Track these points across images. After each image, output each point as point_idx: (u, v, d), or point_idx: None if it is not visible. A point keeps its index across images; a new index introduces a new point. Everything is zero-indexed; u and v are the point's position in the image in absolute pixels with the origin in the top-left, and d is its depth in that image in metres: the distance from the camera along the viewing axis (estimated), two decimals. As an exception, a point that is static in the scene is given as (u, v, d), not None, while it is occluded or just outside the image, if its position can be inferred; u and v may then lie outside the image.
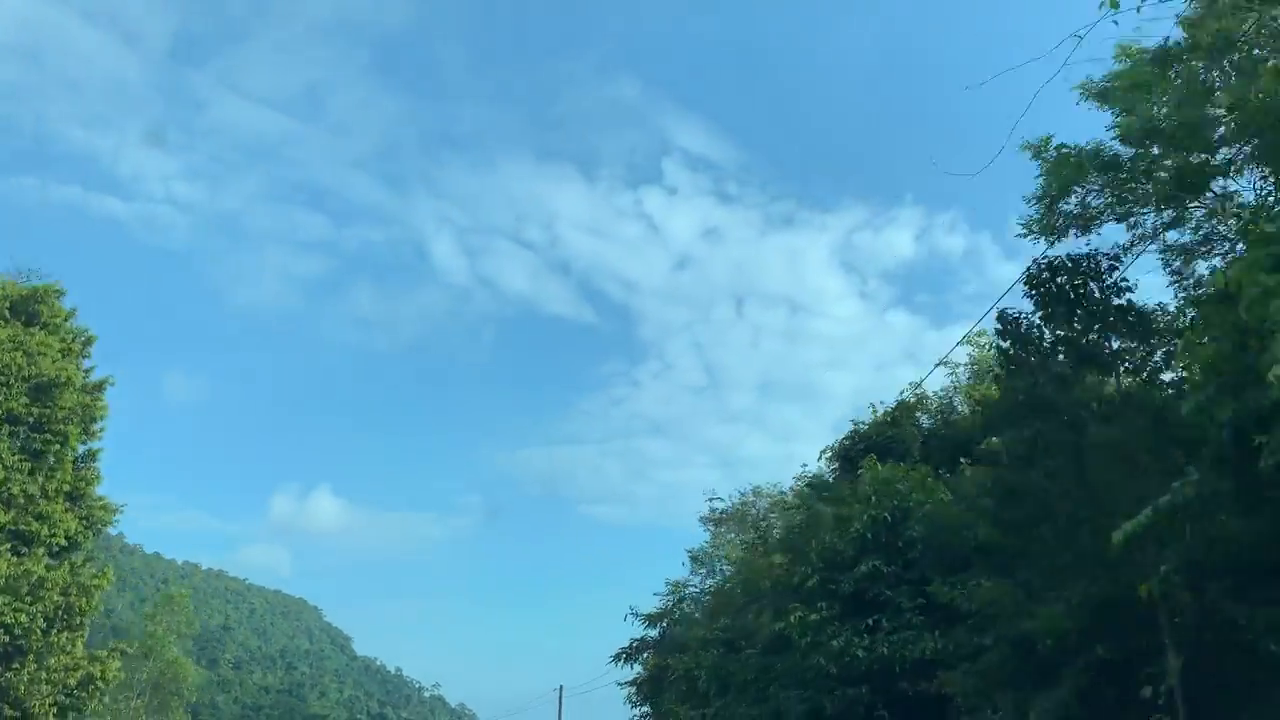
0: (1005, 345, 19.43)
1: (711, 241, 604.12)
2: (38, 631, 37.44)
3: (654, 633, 42.30)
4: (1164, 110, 18.97)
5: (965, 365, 35.23)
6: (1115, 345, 18.56)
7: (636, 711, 44.36)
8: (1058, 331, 18.95)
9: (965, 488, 22.63)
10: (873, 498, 26.39)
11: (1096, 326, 18.48)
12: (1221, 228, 20.58)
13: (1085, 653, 16.33)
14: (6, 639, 36.59)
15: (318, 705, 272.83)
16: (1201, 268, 21.30)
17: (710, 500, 47.38)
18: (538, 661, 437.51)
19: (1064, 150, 20.62)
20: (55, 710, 38.68)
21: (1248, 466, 12.73)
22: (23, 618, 36.51)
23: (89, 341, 46.24)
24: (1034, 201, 22.01)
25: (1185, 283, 21.49)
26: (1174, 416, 15.64)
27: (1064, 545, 16.76)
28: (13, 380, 39.39)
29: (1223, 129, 18.69)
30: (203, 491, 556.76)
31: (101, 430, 44.73)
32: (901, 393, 33.18)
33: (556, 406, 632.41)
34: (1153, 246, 21.69)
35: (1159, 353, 18.72)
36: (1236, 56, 17.90)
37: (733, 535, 47.22)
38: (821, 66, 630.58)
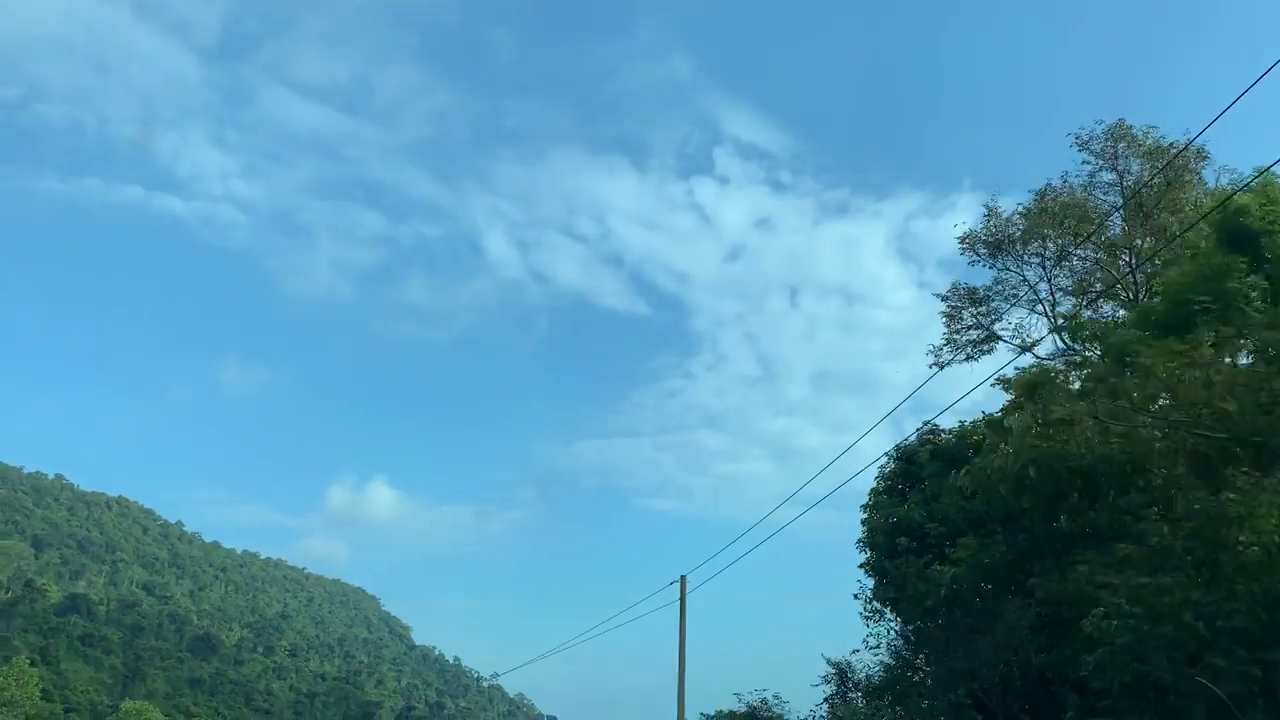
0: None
1: (764, 231, 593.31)
2: None
3: None
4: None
5: None
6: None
7: None
8: None
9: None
10: None
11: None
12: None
13: None
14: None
15: (374, 693, 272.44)
16: None
17: None
18: (595, 654, 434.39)
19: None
20: None
21: None
22: None
23: None
24: None
25: None
26: None
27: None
28: None
29: None
30: (261, 485, 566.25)
31: None
32: (920, 430, 30.94)
33: (610, 399, 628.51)
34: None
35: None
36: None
37: None
38: (876, 49, 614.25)
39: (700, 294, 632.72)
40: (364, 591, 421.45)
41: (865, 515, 32.03)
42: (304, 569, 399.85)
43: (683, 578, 29.79)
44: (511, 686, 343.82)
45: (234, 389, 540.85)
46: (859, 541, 31.75)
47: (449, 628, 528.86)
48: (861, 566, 31.38)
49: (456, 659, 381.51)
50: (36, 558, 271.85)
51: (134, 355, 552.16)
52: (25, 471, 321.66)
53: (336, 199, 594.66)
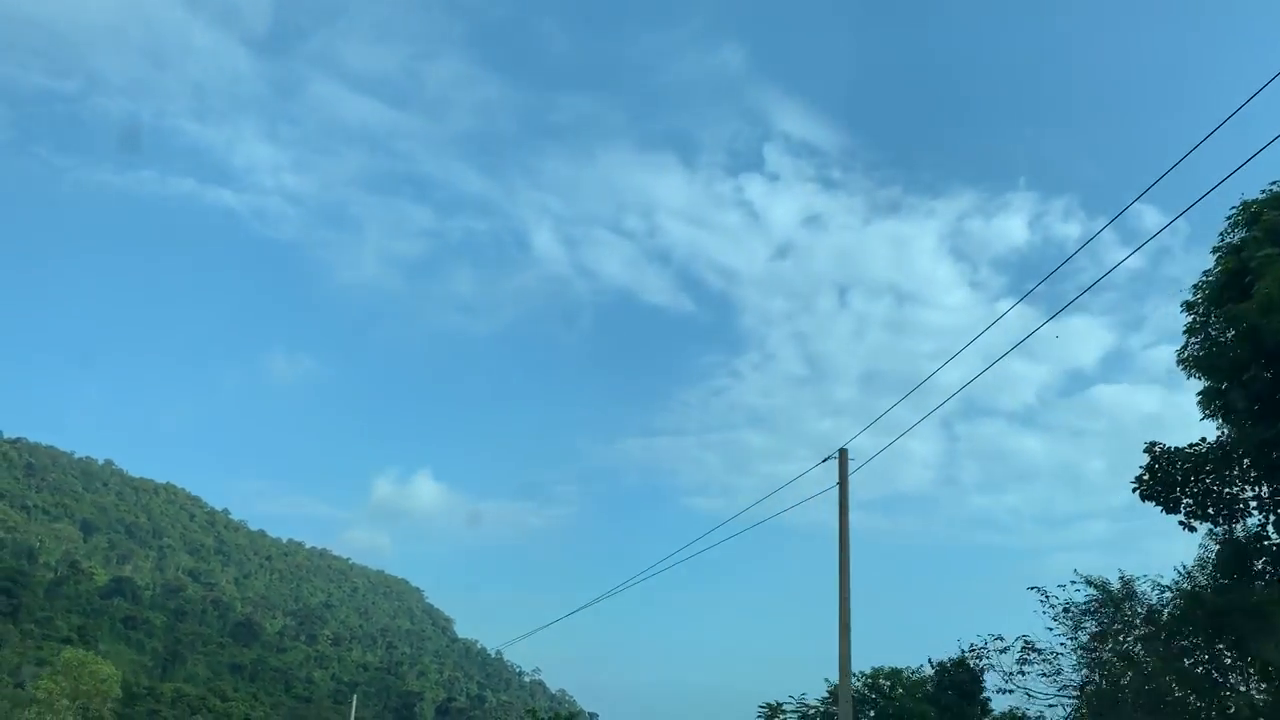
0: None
1: (814, 229, 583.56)
2: None
3: None
4: None
5: None
6: None
7: None
8: None
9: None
10: None
11: None
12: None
13: None
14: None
15: (416, 684, 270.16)
16: None
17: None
18: (637, 653, 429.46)
19: None
20: None
21: None
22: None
23: None
24: None
25: None
26: None
27: None
28: None
29: None
30: (307, 476, 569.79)
31: None
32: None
33: (655, 397, 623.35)
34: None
35: None
36: None
37: None
38: (929, 44, 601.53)
39: (748, 292, 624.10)
40: (407, 583, 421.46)
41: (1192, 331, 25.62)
42: (348, 559, 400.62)
43: (842, 451, 24.27)
44: (553, 682, 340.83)
45: (281, 379, 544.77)
46: (1187, 365, 25.79)
47: (491, 622, 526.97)
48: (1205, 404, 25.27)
49: (498, 653, 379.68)
50: (85, 541, 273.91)
51: (184, 344, 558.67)
52: (75, 456, 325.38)
53: (385, 193, 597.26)
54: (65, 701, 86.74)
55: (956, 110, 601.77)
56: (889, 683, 39.98)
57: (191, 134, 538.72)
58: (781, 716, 41.21)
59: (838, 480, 23.92)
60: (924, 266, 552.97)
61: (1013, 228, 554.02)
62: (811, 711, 40.85)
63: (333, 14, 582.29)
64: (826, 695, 38.79)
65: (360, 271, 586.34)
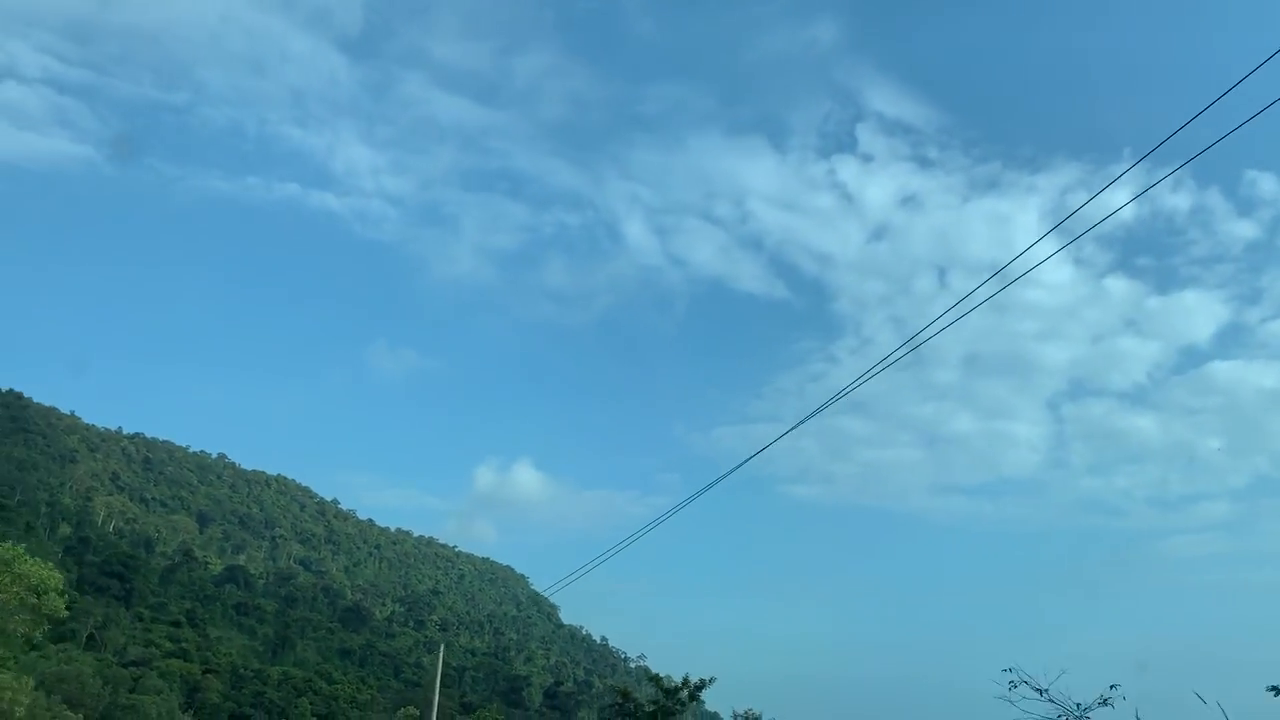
0: None
1: (910, 210, 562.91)
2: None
3: None
4: None
5: None
6: None
7: None
8: None
9: None
10: None
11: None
12: None
13: None
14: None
15: (523, 668, 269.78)
16: None
17: None
18: (741, 639, 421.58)
19: None
20: None
21: None
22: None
23: None
24: None
25: None
26: None
27: None
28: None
29: None
30: (411, 467, 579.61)
31: None
32: None
33: (750, 384, 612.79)
34: None
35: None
36: None
37: None
38: (1025, 13, 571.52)
39: (843, 276, 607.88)
40: (512, 570, 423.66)
41: None
42: (454, 547, 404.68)
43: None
44: (658, 669, 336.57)
45: (384, 373, 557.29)
46: None
47: (596, 608, 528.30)
48: None
49: (604, 639, 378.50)
50: (201, 532, 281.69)
51: (292, 342, 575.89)
52: (191, 451, 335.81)
53: (480, 190, 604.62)
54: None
55: (1057, 80, 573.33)
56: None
57: (294, 139, 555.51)
58: None
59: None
60: (1025, 244, 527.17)
61: (1118, 201, 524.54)
62: None
63: (422, 9, 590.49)
64: None
65: (457, 266, 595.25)
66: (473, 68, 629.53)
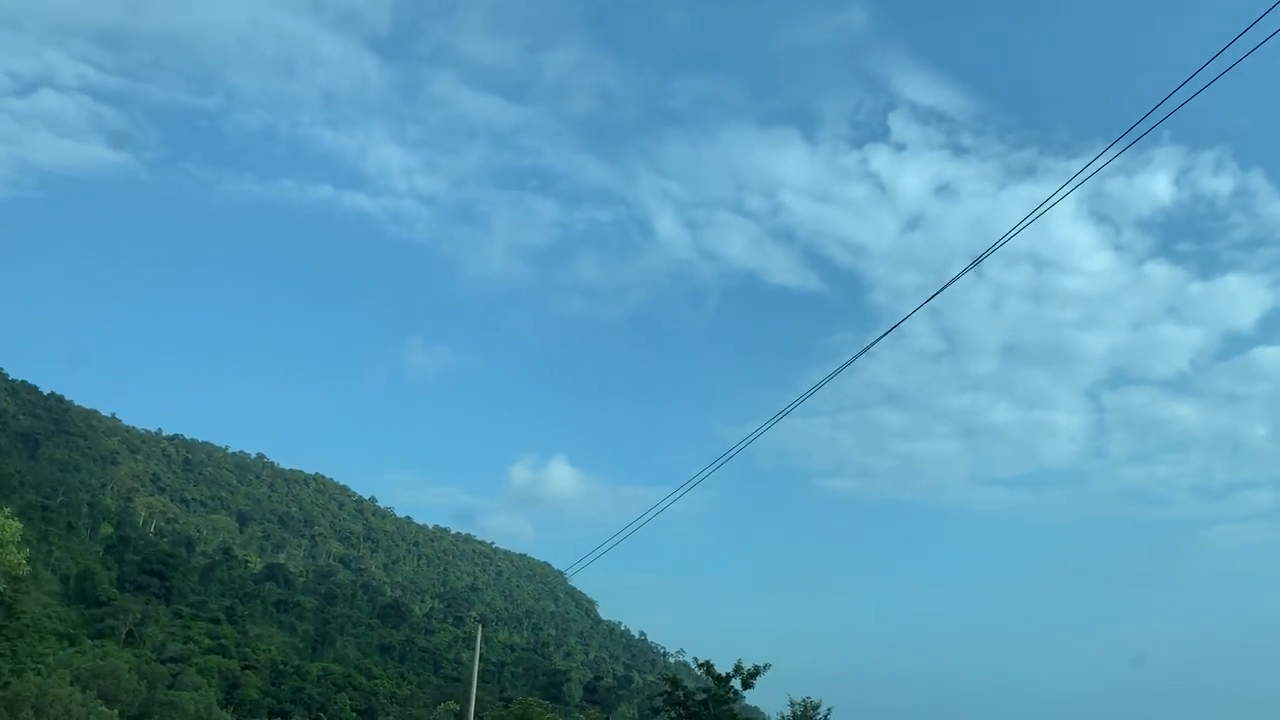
0: None
1: (945, 198, 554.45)
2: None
3: None
4: None
5: None
6: None
7: None
8: None
9: None
10: None
11: None
12: None
13: None
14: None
15: (563, 664, 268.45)
16: None
17: None
18: (780, 634, 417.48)
19: None
20: None
21: None
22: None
23: None
24: None
25: None
26: None
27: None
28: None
29: None
30: (448, 466, 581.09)
31: None
32: None
33: (785, 378, 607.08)
34: None
35: None
36: None
37: None
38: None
39: (877, 266, 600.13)
40: (550, 566, 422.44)
41: None
42: (492, 544, 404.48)
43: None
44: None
45: (419, 371, 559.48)
46: None
47: (632, 604, 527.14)
48: None
49: (642, 634, 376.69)
50: (241, 531, 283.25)
51: (327, 342, 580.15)
52: (230, 451, 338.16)
53: (511, 188, 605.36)
54: None
55: (1091, 63, 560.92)
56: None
57: (326, 142, 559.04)
58: None
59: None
60: (1063, 231, 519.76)
61: (1157, 185, 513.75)
62: None
63: (450, 7, 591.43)
64: None
65: (490, 264, 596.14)
66: (502, 64, 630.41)
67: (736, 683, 47.04)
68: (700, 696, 46.42)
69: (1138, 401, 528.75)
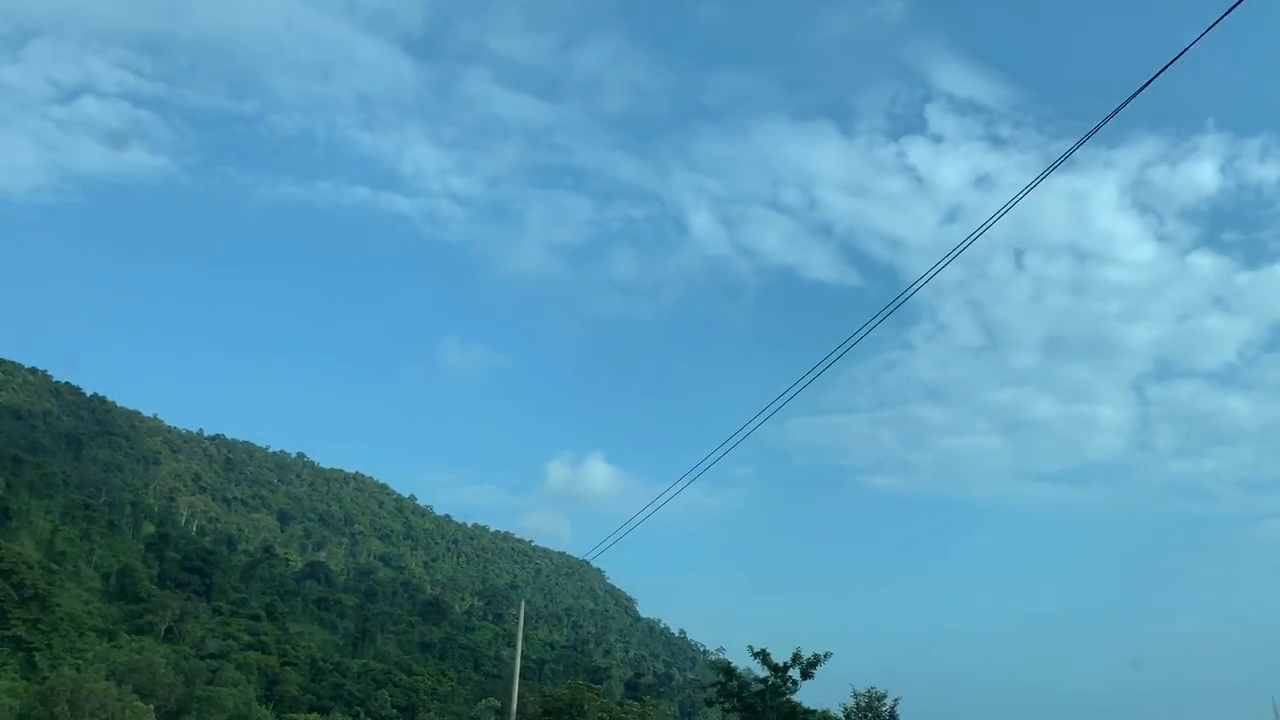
0: None
1: (984, 190, 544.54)
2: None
3: None
4: None
5: None
6: None
7: None
8: None
9: None
10: None
11: None
12: None
13: None
14: None
15: (603, 661, 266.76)
16: None
17: None
18: (821, 632, 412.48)
19: None
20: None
21: None
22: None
23: None
24: None
25: None
26: None
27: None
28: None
29: None
30: (486, 464, 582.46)
31: None
32: None
33: (824, 375, 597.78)
34: None
35: None
36: None
37: None
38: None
39: (915, 260, 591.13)
40: (589, 564, 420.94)
41: None
42: (531, 542, 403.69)
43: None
44: (738, 661, 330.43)
45: (456, 370, 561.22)
46: None
47: (671, 601, 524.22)
48: None
49: (682, 632, 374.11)
50: (282, 529, 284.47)
51: (365, 342, 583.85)
52: (271, 451, 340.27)
53: (545, 186, 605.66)
54: None
55: (1132, 49, 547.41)
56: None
57: (362, 144, 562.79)
58: None
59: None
60: (1105, 222, 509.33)
61: (1202, 174, 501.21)
62: None
63: (482, 4, 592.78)
64: None
65: (524, 262, 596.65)
66: (534, 62, 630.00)
67: (795, 672, 44.22)
68: (756, 687, 43.61)
69: (1184, 394, 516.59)
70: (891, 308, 17.27)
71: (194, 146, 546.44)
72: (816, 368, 19.87)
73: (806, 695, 44.44)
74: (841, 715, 44.42)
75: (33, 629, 75.87)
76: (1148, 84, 11.38)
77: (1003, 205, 15.03)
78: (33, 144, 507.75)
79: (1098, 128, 12.47)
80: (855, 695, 44.57)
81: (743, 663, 50.11)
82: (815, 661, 44.87)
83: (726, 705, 45.84)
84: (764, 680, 44.16)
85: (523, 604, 43.82)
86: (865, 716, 43.57)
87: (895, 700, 44.45)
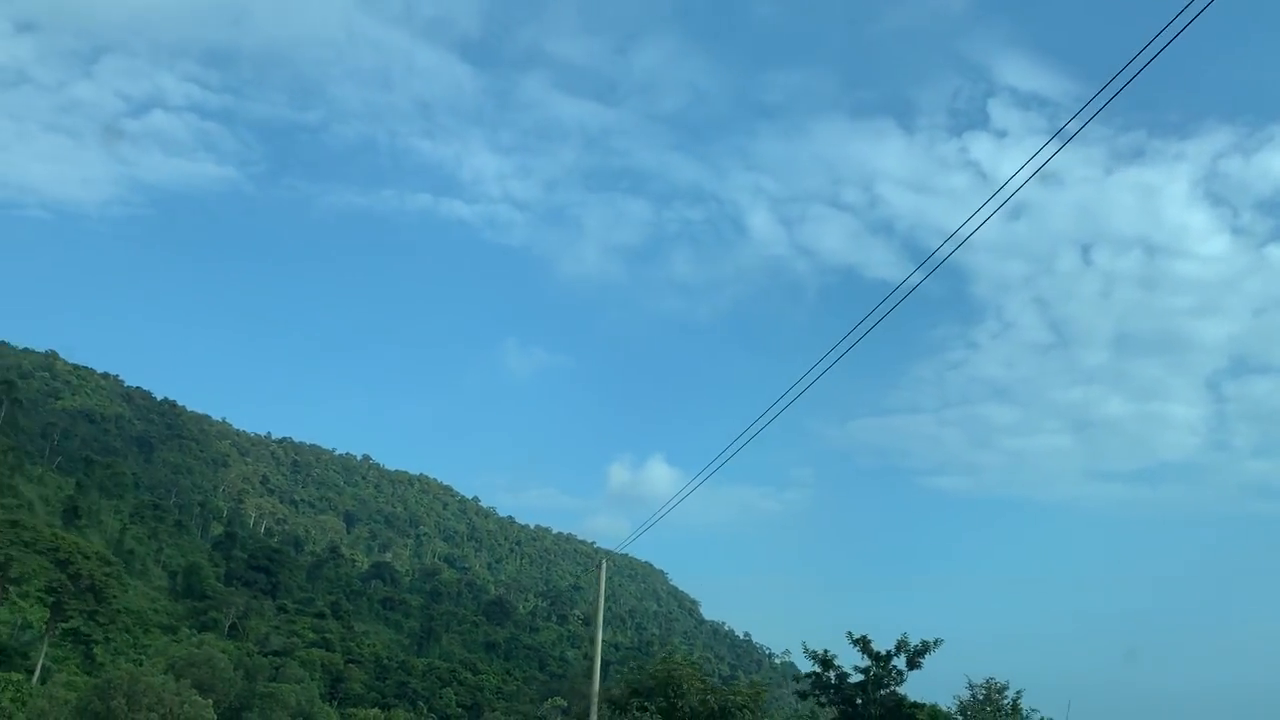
0: None
1: (1050, 185, 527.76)
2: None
3: None
4: None
5: None
6: None
7: None
8: None
9: None
10: None
11: None
12: None
13: None
14: None
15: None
16: None
17: None
18: (884, 635, 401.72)
19: None
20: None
21: None
22: None
23: None
24: None
25: None
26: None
27: None
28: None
29: None
30: (547, 467, 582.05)
31: None
32: None
33: (887, 374, 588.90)
34: None
35: None
36: None
37: None
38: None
39: (980, 258, 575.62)
40: (651, 566, 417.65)
41: None
42: (593, 543, 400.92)
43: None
44: (803, 665, 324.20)
45: (517, 372, 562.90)
46: None
47: (735, 604, 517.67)
48: None
49: (747, 634, 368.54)
50: (348, 531, 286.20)
51: (429, 346, 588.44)
52: (337, 453, 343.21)
53: (603, 189, 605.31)
54: None
55: (1205, 36, 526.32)
56: None
57: (423, 151, 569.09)
58: None
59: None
60: (1175, 215, 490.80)
61: (1279, 164, 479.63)
62: None
63: (539, 8, 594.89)
64: None
65: (583, 265, 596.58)
66: (591, 65, 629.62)
67: (900, 661, 39.83)
68: (856, 679, 39.30)
69: (1262, 391, 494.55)
70: (891, 308, 17.70)
71: (260, 156, 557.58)
72: (818, 364, 19.58)
73: (911, 687, 40.30)
74: (955, 708, 39.99)
75: (90, 621, 74.90)
76: (1152, 59, 11.29)
77: (1000, 200, 14.58)
78: (104, 157, 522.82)
79: (1096, 112, 12.21)
80: (971, 686, 40.01)
81: (835, 652, 45.70)
82: (924, 649, 40.30)
83: (823, 699, 41.61)
84: (865, 670, 39.89)
85: (604, 563, 40.07)
86: (984, 710, 38.97)
87: (1018, 693, 39.78)
